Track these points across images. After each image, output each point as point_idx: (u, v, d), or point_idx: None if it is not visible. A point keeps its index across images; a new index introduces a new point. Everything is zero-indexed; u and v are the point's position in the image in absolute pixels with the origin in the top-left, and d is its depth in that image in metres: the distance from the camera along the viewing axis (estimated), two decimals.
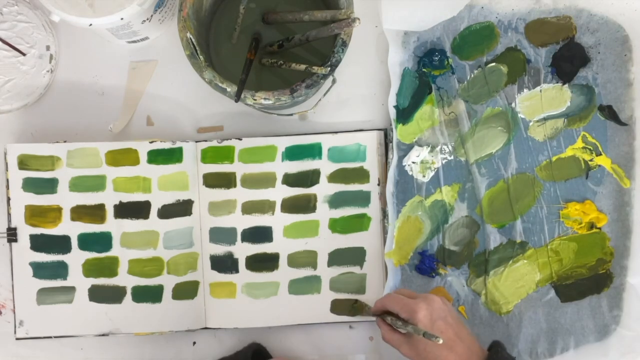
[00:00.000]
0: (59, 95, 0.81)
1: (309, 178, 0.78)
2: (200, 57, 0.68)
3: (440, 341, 0.59)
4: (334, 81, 0.70)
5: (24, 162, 0.76)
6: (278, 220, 0.78)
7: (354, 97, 0.80)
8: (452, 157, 0.78)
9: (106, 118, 0.80)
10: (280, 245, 0.78)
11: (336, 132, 0.78)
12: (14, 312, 0.76)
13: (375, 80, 0.80)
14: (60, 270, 0.76)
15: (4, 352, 0.79)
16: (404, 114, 0.78)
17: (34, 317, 0.76)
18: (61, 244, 0.77)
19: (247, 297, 0.78)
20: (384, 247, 0.77)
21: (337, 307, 0.76)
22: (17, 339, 0.77)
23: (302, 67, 0.68)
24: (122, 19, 0.69)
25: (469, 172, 0.77)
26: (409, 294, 0.67)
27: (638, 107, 0.76)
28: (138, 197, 0.77)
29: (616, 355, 0.75)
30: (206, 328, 0.78)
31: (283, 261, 0.78)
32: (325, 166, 0.78)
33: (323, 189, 0.78)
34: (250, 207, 0.78)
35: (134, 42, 0.79)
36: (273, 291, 0.78)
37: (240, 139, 0.78)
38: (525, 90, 0.78)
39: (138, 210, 0.77)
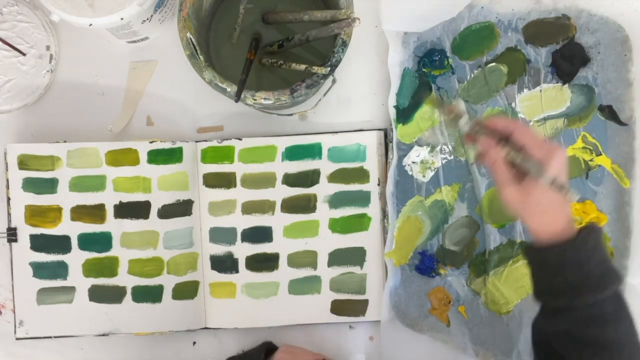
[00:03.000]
0: (59, 95, 0.81)
1: (309, 178, 0.78)
2: (200, 57, 0.68)
3: (576, 198, 0.54)
4: (334, 81, 0.70)
5: (24, 162, 0.76)
6: (278, 220, 0.78)
7: (354, 97, 0.80)
8: (452, 157, 0.78)
9: (106, 118, 0.80)
10: (280, 245, 0.78)
11: (336, 132, 0.78)
12: (14, 312, 0.76)
13: (375, 80, 0.80)
14: (60, 270, 0.76)
15: (4, 352, 0.79)
16: (404, 114, 0.78)
17: (34, 317, 0.76)
18: (61, 244, 0.77)
19: (247, 297, 0.78)
20: (384, 247, 0.77)
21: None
22: (17, 339, 0.77)
23: (302, 67, 0.68)
24: (122, 19, 0.69)
25: (469, 172, 0.77)
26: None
27: (638, 107, 0.76)
28: (138, 197, 0.77)
29: None
30: (206, 328, 0.78)
31: (283, 261, 0.78)
32: (325, 166, 0.78)
33: (323, 189, 0.78)
34: (250, 207, 0.78)
35: (134, 42, 0.79)
36: (273, 291, 0.78)
37: (240, 139, 0.78)
38: (525, 90, 0.78)
39: (138, 210, 0.77)
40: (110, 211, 0.77)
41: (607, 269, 0.56)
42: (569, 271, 0.56)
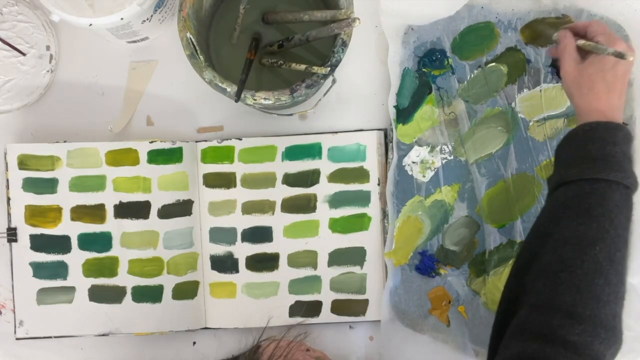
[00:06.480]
0: (59, 95, 0.81)
1: (309, 178, 0.78)
2: (200, 57, 0.68)
3: (631, 58, 0.60)
4: (334, 81, 0.70)
5: (24, 162, 0.76)
6: (278, 220, 0.78)
7: (354, 97, 0.80)
8: (452, 157, 0.78)
9: (106, 118, 0.80)
10: (281, 245, 0.78)
11: (336, 132, 0.78)
12: (14, 312, 0.76)
13: (375, 80, 0.80)
14: (60, 270, 0.76)
15: (4, 352, 0.79)
16: (404, 114, 0.78)
17: (34, 317, 0.76)
18: (61, 244, 0.76)
19: (247, 297, 0.78)
20: (384, 247, 0.77)
21: None
22: (17, 339, 0.77)
23: (302, 67, 0.68)
24: (122, 19, 0.70)
25: (468, 172, 0.78)
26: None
27: (638, 107, 0.76)
28: (138, 197, 0.77)
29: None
30: (206, 328, 0.78)
31: (283, 261, 0.78)
32: (325, 166, 0.78)
33: (323, 189, 0.78)
34: (250, 207, 0.78)
35: (134, 42, 0.79)
36: (273, 291, 0.78)
37: (240, 139, 0.78)
38: (525, 90, 0.78)
39: (138, 210, 0.77)
40: (110, 211, 0.77)
41: (629, 165, 0.59)
42: (594, 146, 0.59)
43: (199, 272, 0.78)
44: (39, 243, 0.76)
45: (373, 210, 0.78)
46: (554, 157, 0.63)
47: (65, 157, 0.77)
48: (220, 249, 0.78)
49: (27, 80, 0.79)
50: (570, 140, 0.61)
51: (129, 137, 0.80)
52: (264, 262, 0.78)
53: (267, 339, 0.67)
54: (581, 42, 0.65)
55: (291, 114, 0.75)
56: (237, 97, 0.66)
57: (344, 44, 0.68)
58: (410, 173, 0.78)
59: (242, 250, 0.78)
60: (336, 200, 0.78)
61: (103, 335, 0.77)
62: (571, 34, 0.66)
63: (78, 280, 0.76)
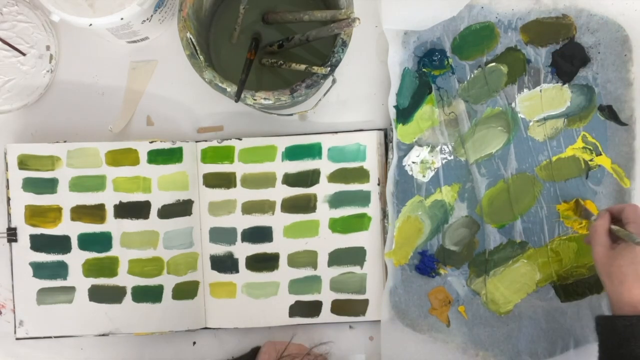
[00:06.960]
0: (59, 95, 0.81)
1: (309, 178, 0.78)
2: (200, 57, 0.68)
3: None
4: (334, 81, 0.70)
5: (24, 162, 0.76)
6: (278, 220, 0.78)
7: (354, 97, 0.80)
8: (452, 157, 0.78)
9: (106, 118, 0.80)
10: (280, 245, 0.78)
11: (336, 132, 0.78)
12: (14, 312, 0.76)
13: (375, 80, 0.80)
14: (60, 270, 0.76)
15: (4, 352, 0.79)
16: (404, 114, 0.78)
17: (34, 317, 0.76)
18: (61, 244, 0.76)
19: (247, 297, 0.78)
20: (384, 247, 0.77)
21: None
22: (17, 339, 0.77)
23: (302, 67, 0.68)
24: (122, 19, 0.70)
25: (469, 172, 0.78)
26: None
27: (638, 107, 0.76)
28: (138, 197, 0.77)
29: None
30: (206, 328, 0.78)
31: (283, 261, 0.78)
32: (325, 166, 0.78)
33: (323, 189, 0.78)
34: (250, 207, 0.78)
35: (134, 42, 0.79)
36: (273, 291, 0.78)
37: (240, 139, 0.78)
38: (525, 90, 0.78)
39: (138, 210, 0.77)
40: (110, 211, 0.77)
41: None
42: (636, 344, 0.59)
43: (199, 272, 0.78)
44: (39, 243, 0.76)
45: (373, 210, 0.78)
46: (596, 331, 0.64)
47: (65, 157, 0.77)
48: (220, 249, 0.78)
49: (27, 80, 0.79)
50: (612, 333, 0.61)
51: (129, 137, 0.80)
52: (264, 262, 0.78)
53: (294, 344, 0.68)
54: (615, 227, 0.65)
55: (291, 114, 0.75)
56: (237, 97, 0.66)
57: (344, 44, 0.68)
58: (410, 173, 0.78)
59: (242, 250, 0.78)
60: (336, 200, 0.78)
61: (103, 335, 0.77)
62: (608, 216, 0.66)
63: (78, 280, 0.76)
